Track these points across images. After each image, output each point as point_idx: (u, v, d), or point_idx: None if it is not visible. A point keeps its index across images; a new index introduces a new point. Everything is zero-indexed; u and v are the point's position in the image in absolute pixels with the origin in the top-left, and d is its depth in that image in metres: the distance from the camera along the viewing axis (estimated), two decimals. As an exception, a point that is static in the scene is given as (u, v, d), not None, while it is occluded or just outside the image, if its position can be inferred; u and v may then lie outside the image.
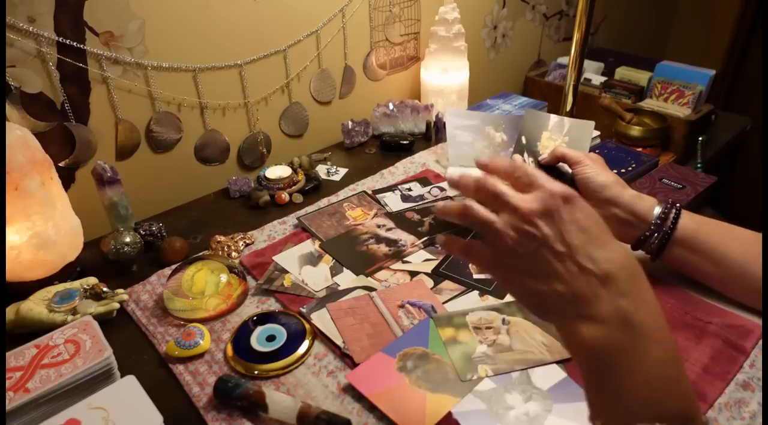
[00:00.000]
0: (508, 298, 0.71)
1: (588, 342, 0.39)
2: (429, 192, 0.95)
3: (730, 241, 0.65)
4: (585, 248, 0.40)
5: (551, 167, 0.80)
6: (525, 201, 0.41)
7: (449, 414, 0.56)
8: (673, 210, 0.68)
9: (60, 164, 0.86)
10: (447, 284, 0.74)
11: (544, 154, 0.80)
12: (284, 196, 0.94)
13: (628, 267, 0.40)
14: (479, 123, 0.94)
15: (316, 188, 0.98)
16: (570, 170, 0.76)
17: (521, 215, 0.41)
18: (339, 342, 0.65)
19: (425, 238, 0.83)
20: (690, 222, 0.67)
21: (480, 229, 0.43)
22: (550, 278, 0.40)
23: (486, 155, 0.96)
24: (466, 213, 0.43)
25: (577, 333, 0.40)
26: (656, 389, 0.37)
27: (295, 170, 0.99)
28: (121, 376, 0.59)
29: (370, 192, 0.95)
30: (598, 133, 1.19)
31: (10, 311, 0.68)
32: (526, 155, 0.82)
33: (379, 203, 0.92)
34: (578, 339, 0.40)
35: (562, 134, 0.84)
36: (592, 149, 1.14)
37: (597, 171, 0.72)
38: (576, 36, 1.03)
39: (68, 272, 0.77)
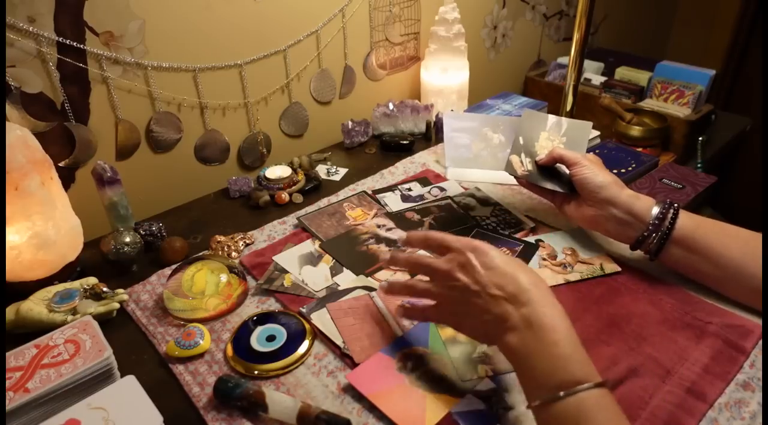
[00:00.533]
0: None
1: (510, 346, 0.52)
2: (429, 192, 0.95)
3: (728, 240, 0.65)
4: (492, 282, 0.53)
5: (549, 168, 0.80)
6: (443, 264, 0.56)
7: (449, 414, 0.56)
8: (671, 210, 0.68)
9: (60, 164, 0.86)
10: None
11: (542, 155, 0.80)
12: (284, 196, 0.94)
13: (528, 283, 0.53)
14: (476, 125, 0.94)
15: (316, 188, 0.99)
16: (567, 171, 0.76)
17: (444, 275, 0.56)
18: (339, 342, 0.65)
19: (425, 238, 0.83)
20: (688, 222, 0.67)
21: (424, 297, 0.60)
22: (479, 313, 0.54)
23: (483, 157, 0.96)
24: (411, 289, 0.61)
25: (503, 343, 0.53)
26: (552, 365, 0.49)
27: (295, 170, 0.99)
28: (121, 376, 0.59)
29: (370, 192, 0.95)
30: (598, 133, 1.19)
31: (10, 311, 0.68)
32: (523, 155, 0.82)
33: (379, 203, 0.92)
34: (505, 347, 0.53)
35: (559, 135, 0.84)
36: (591, 149, 1.15)
37: (595, 172, 0.72)
38: (576, 36, 1.03)
39: (68, 272, 0.77)
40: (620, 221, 0.70)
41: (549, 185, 0.78)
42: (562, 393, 0.47)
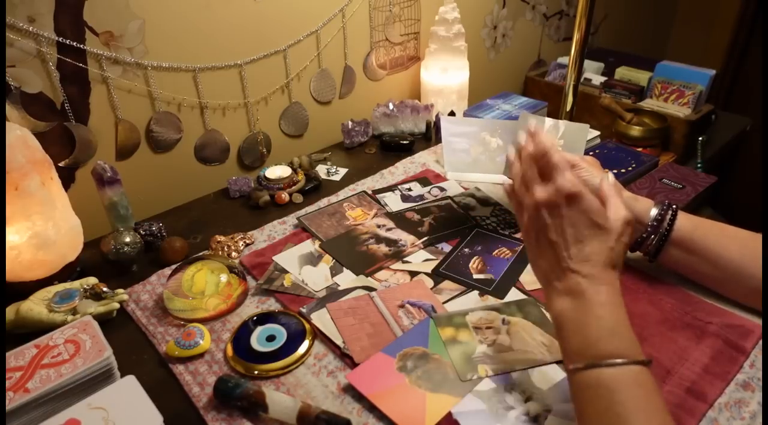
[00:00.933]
0: (508, 298, 0.71)
1: (555, 310, 0.53)
2: (429, 192, 0.95)
3: (727, 241, 0.65)
4: (566, 241, 0.53)
5: None
6: (538, 191, 0.54)
7: (449, 414, 0.56)
8: (670, 211, 0.68)
9: (60, 164, 0.86)
10: (447, 284, 0.74)
11: None
12: (284, 196, 0.94)
13: (595, 255, 0.52)
14: (474, 129, 0.94)
15: (316, 188, 0.99)
16: None
17: (534, 201, 0.54)
18: (339, 342, 0.65)
19: (425, 238, 0.83)
20: (686, 223, 0.67)
21: (521, 207, 0.58)
22: (542, 255, 0.55)
23: (482, 161, 0.96)
24: (519, 196, 0.58)
25: (550, 301, 0.54)
26: (594, 336, 0.49)
27: (295, 170, 0.99)
28: (121, 376, 0.59)
29: (370, 192, 0.95)
30: (598, 133, 1.19)
31: (10, 312, 0.68)
32: None
33: (379, 203, 0.92)
34: (550, 305, 0.54)
35: (557, 137, 0.84)
36: (591, 149, 1.15)
37: (593, 174, 0.71)
38: (576, 36, 1.03)
39: (68, 272, 0.77)
40: None
41: None
42: (601, 363, 0.47)
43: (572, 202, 0.52)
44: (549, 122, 0.85)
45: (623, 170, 1.07)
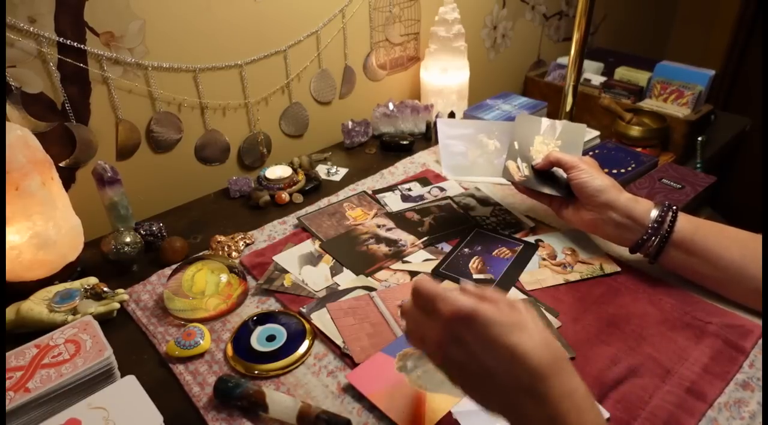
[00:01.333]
0: (508, 298, 0.71)
1: None
2: (429, 192, 0.95)
3: (728, 242, 0.65)
4: (497, 364, 0.41)
5: (546, 172, 0.80)
6: (434, 332, 0.44)
7: (449, 413, 0.56)
8: (670, 213, 0.67)
9: (60, 164, 0.86)
10: (447, 284, 0.74)
11: (538, 159, 0.80)
12: (284, 196, 0.94)
13: (537, 363, 0.41)
14: (471, 132, 0.94)
15: (316, 188, 0.99)
16: (565, 175, 0.75)
17: (435, 345, 0.44)
18: (339, 342, 0.65)
19: (425, 238, 0.83)
20: (687, 224, 0.67)
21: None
22: (485, 398, 0.44)
23: (480, 164, 0.96)
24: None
25: None
26: None
27: (295, 170, 0.99)
28: (121, 376, 0.59)
29: (370, 192, 0.95)
30: (597, 133, 1.19)
31: (10, 311, 0.68)
32: (519, 160, 0.82)
33: (379, 203, 0.92)
34: None
35: (554, 138, 0.84)
36: (591, 150, 1.15)
37: (593, 175, 0.71)
38: (576, 36, 1.03)
39: (68, 272, 0.77)
40: (619, 225, 0.70)
41: (547, 190, 0.78)
42: None
43: (468, 322, 0.42)
44: (546, 122, 0.85)
45: (623, 170, 1.07)
